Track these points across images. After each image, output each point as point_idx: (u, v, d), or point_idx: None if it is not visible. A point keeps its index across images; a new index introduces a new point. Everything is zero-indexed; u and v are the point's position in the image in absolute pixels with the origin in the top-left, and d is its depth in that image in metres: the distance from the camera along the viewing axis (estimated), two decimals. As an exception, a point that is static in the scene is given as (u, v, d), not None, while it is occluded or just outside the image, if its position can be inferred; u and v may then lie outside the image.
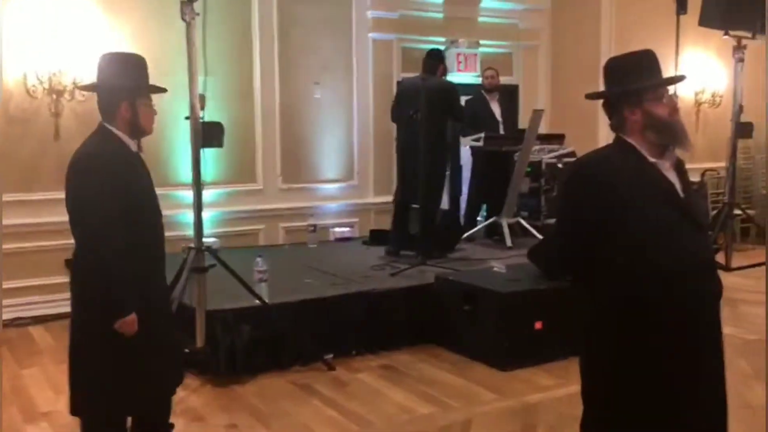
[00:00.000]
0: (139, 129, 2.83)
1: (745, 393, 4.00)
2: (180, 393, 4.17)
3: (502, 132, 7.09)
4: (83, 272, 2.70)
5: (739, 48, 6.46)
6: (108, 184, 2.63)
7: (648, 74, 2.35)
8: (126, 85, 2.80)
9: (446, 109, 5.93)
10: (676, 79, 2.55)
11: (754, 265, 6.92)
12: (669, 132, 2.33)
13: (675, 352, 2.30)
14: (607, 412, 2.43)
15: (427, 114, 5.76)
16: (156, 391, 2.84)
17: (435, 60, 6.13)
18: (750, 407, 3.86)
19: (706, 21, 6.26)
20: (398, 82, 6.40)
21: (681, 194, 2.36)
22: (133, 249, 2.65)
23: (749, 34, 6.32)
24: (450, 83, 6.10)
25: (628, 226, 2.29)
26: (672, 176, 2.38)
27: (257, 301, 4.45)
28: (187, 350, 4.28)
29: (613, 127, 2.43)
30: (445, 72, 6.16)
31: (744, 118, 6.84)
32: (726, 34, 6.34)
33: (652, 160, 2.35)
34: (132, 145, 2.83)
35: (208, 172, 5.70)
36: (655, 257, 2.25)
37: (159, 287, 2.93)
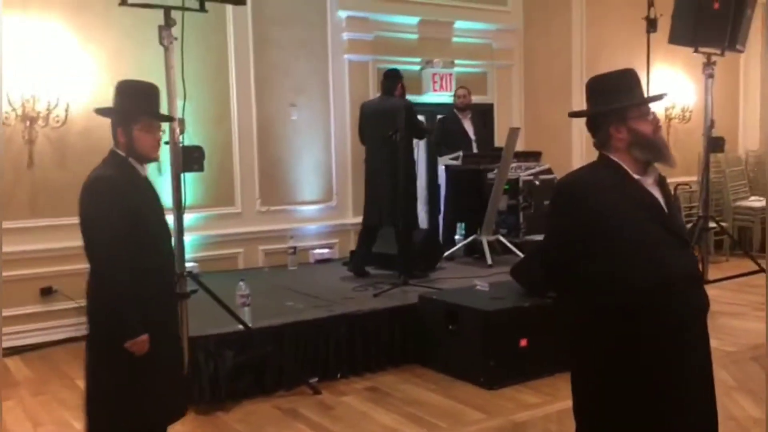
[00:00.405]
0: (137, 154, 2.89)
1: (728, 405, 4.04)
2: (163, 422, 4.11)
3: (475, 150, 7.14)
4: (94, 292, 2.79)
5: (708, 64, 6.60)
6: (116, 205, 2.71)
7: (631, 92, 2.39)
8: (118, 111, 2.90)
9: (407, 128, 5.90)
10: (659, 97, 2.60)
11: (731, 277, 7.04)
12: (654, 149, 2.38)
13: (663, 368, 2.32)
14: (599, 426, 2.44)
15: (382, 134, 5.85)
16: (158, 415, 2.88)
17: (391, 80, 6.16)
18: (734, 419, 3.89)
19: (675, 39, 6.38)
20: (360, 106, 6.40)
21: (665, 209, 2.40)
22: (141, 271, 2.71)
23: (718, 51, 6.46)
24: (406, 101, 6.07)
25: (614, 242, 2.31)
26: (656, 192, 2.42)
27: (240, 326, 4.40)
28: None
29: (597, 144, 2.46)
30: (403, 91, 6.15)
31: (714, 133, 6.97)
32: (696, 50, 6.47)
33: (636, 176, 2.39)
34: (141, 169, 2.90)
35: (186, 196, 5.64)
36: (641, 273, 2.28)
37: (168, 311, 2.96)
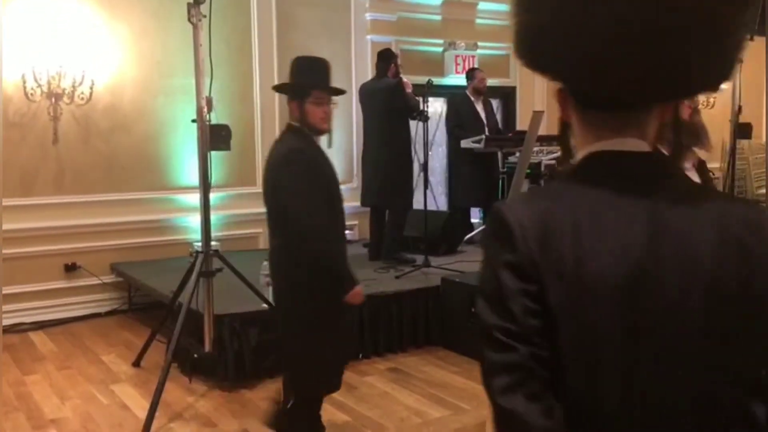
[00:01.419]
0: (309, 127, 3.04)
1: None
2: (188, 399, 4.17)
3: (486, 133, 7.09)
4: (290, 260, 2.94)
5: (737, 49, 6.50)
6: (314, 175, 2.93)
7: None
8: (291, 86, 3.12)
9: (392, 107, 5.83)
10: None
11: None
12: (690, 133, 2.35)
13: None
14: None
15: (379, 116, 5.81)
16: (342, 366, 3.25)
17: (384, 61, 6.04)
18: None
19: (704, 22, 6.28)
20: (359, 88, 6.36)
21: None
22: (335, 235, 3.01)
23: (747, 35, 6.35)
24: (393, 81, 5.92)
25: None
26: (693, 176, 2.39)
27: (264, 305, 4.42)
28: (195, 355, 4.25)
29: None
30: (397, 71, 5.98)
31: (741, 119, 6.88)
32: (724, 35, 6.38)
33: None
34: (316, 140, 3.09)
35: (211, 174, 5.67)
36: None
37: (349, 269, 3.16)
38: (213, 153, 4.34)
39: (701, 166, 2.41)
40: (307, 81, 3.04)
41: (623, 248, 1.00)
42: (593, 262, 1.00)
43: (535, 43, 1.10)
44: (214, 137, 4.12)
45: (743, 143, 8.55)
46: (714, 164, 8.79)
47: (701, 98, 9.14)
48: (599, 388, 1.00)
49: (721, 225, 1.03)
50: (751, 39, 4.67)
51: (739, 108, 6.70)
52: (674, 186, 1.07)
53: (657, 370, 1.00)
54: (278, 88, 3.38)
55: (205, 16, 4.06)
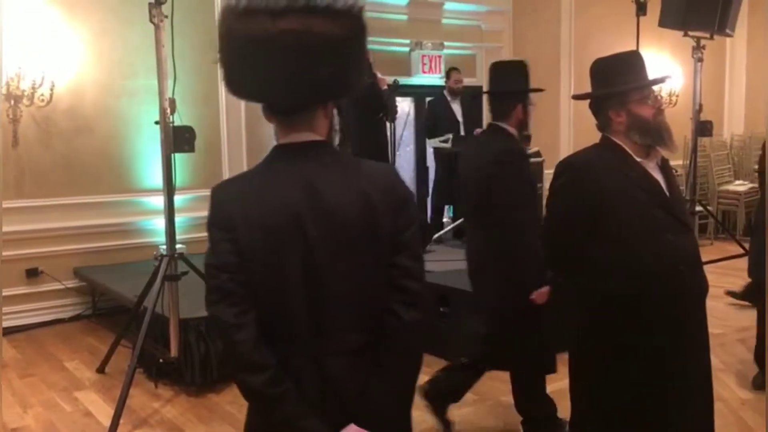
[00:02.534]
0: (525, 128, 3.41)
1: (716, 386, 4.05)
2: (154, 404, 4.11)
3: (462, 133, 7.12)
4: (506, 256, 3.19)
5: (698, 48, 6.62)
6: (523, 173, 3.27)
7: (632, 75, 2.38)
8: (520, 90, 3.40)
9: (366, 106, 5.83)
10: (659, 80, 2.59)
11: (716, 260, 7.11)
12: (653, 133, 2.37)
13: (663, 350, 2.33)
14: (598, 407, 2.45)
15: (347, 115, 5.78)
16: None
17: None
18: (723, 400, 3.94)
19: (665, 22, 6.39)
20: None
21: (667, 193, 2.40)
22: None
23: (707, 35, 6.48)
24: (367, 81, 5.93)
25: (618, 225, 2.32)
26: (658, 175, 2.41)
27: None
28: (161, 360, 4.20)
29: (599, 127, 2.45)
30: (369, 67, 6.01)
31: (702, 117, 7.01)
32: (685, 34, 6.49)
33: (638, 159, 2.38)
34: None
35: (175, 177, 5.60)
36: (646, 257, 2.28)
37: None
38: (177, 155, 4.29)
39: (664, 165, 2.43)
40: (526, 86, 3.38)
41: (285, 203, 1.55)
42: (257, 218, 1.54)
43: (229, 76, 1.59)
44: (178, 139, 4.07)
45: (705, 141, 8.71)
46: (677, 161, 8.94)
47: (665, 96, 9.30)
48: (287, 291, 1.55)
49: (357, 187, 1.57)
50: (711, 38, 4.74)
51: (700, 106, 6.81)
52: (328, 162, 1.61)
53: (324, 275, 1.55)
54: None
55: (167, 17, 4.01)
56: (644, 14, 6.72)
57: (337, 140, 1.76)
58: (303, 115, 1.61)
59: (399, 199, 1.61)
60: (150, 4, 3.94)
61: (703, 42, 6.60)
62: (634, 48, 6.70)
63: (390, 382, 1.60)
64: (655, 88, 2.51)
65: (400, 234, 1.59)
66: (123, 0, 5.95)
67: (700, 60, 6.67)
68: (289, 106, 1.59)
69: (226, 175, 6.91)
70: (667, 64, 9.14)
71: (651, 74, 2.43)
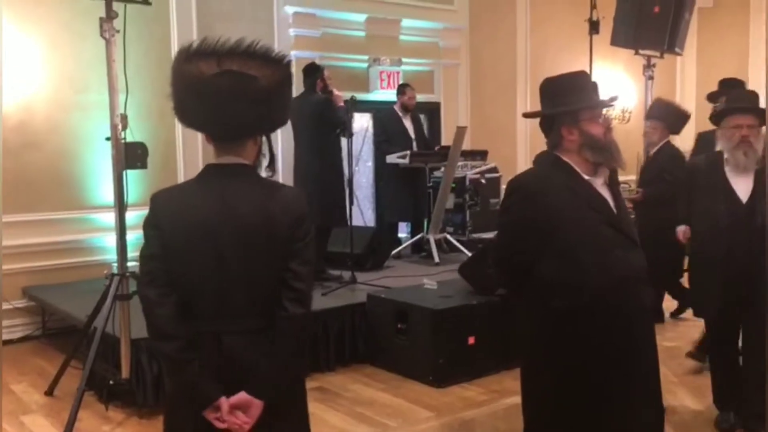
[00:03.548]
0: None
1: (670, 399, 4.14)
2: (104, 428, 4.00)
3: (415, 149, 7.14)
4: None
5: (648, 66, 6.76)
6: None
7: (583, 94, 2.42)
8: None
9: (323, 123, 5.77)
10: (611, 100, 2.64)
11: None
12: (604, 151, 2.41)
13: (615, 365, 2.36)
14: (548, 422, 2.46)
15: (308, 132, 5.77)
16: None
17: (309, 76, 5.95)
18: (676, 413, 4.00)
19: (617, 41, 6.51)
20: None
21: (614, 210, 2.44)
22: None
23: (658, 53, 6.63)
24: (319, 97, 5.85)
25: (567, 242, 2.34)
26: (605, 193, 2.46)
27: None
28: (111, 382, 4.09)
29: (550, 145, 2.48)
30: (325, 86, 5.88)
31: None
32: (636, 53, 6.62)
33: (586, 177, 2.42)
34: None
35: (128, 194, 5.50)
36: (594, 274, 2.31)
37: None
38: (131, 171, 4.21)
39: (612, 182, 2.47)
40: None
41: (203, 210, 1.94)
42: (180, 220, 1.95)
43: (177, 107, 2.00)
44: (130, 155, 3.99)
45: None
46: (630, 176, 9.11)
47: (618, 113, 9.49)
48: (199, 280, 1.93)
49: (262, 202, 1.95)
50: (661, 57, 4.83)
51: (653, 123, 6.94)
52: (243, 181, 2.00)
53: (228, 270, 1.92)
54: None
55: (118, 31, 3.95)
56: (597, 33, 6.84)
57: (265, 162, 2.13)
58: (234, 142, 2.01)
59: (296, 217, 1.97)
60: (101, 18, 3.87)
61: (653, 60, 6.75)
62: (588, 65, 6.84)
63: (276, 361, 1.94)
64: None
65: (294, 244, 1.95)
66: (75, 13, 5.84)
67: (651, 78, 6.81)
68: (223, 136, 2.00)
69: (182, 191, 6.82)
70: (620, 80, 9.35)
71: (602, 92, 2.47)
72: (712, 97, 5.61)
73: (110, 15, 3.89)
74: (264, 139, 2.08)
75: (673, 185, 4.67)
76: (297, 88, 6.94)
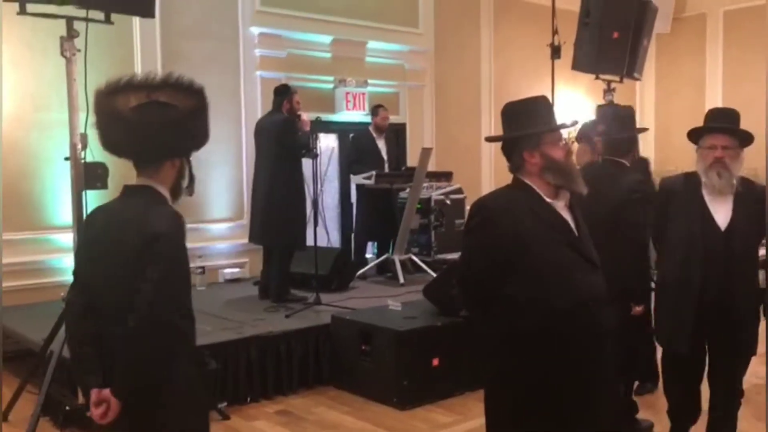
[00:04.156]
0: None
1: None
2: (60, 454, 3.88)
3: (387, 170, 7.17)
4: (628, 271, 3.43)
5: (608, 90, 6.91)
6: None
7: (544, 118, 2.46)
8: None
9: (285, 144, 5.75)
10: (571, 124, 2.68)
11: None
12: (565, 174, 2.44)
13: (572, 385, 2.37)
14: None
15: (268, 151, 5.79)
16: None
17: (279, 96, 5.98)
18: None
19: (578, 65, 6.65)
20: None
21: (575, 232, 2.47)
22: None
23: (617, 78, 6.78)
24: (284, 116, 5.84)
25: (530, 264, 2.36)
26: (567, 215, 2.48)
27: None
28: (67, 407, 3.99)
29: (512, 168, 2.51)
30: (292, 108, 5.88)
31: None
32: (597, 77, 6.77)
33: (548, 200, 2.44)
34: None
35: (86, 214, 5.42)
36: (557, 295, 2.33)
37: None
38: (91, 191, 4.15)
39: (572, 205, 2.50)
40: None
41: (98, 225, 2.27)
42: (88, 232, 2.33)
43: (100, 137, 2.25)
44: (90, 175, 3.94)
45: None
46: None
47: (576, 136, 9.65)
48: (89, 285, 2.25)
49: (134, 221, 2.18)
50: (621, 82, 4.93)
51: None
52: (137, 199, 2.24)
53: (104, 279, 2.21)
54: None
55: (79, 50, 3.90)
56: (559, 57, 6.96)
57: (185, 182, 2.35)
58: (150, 166, 2.26)
59: (151, 235, 2.13)
60: (62, 37, 3.83)
61: (613, 85, 6.90)
62: (550, 89, 6.96)
63: (121, 365, 2.14)
64: (565, 131, 2.59)
65: (141, 262, 2.13)
66: (36, 31, 5.76)
67: (611, 102, 6.96)
68: (141, 160, 2.26)
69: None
70: (581, 104, 9.52)
71: (564, 116, 2.51)
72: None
73: (71, 34, 3.86)
74: (185, 162, 2.33)
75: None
76: (265, 108, 7.00)
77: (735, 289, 3.17)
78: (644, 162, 4.98)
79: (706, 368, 3.44)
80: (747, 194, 3.24)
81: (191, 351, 2.32)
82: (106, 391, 2.13)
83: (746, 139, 3.27)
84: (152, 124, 2.15)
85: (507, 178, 2.63)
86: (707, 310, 3.19)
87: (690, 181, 3.36)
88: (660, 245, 3.52)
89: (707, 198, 3.26)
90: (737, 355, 3.32)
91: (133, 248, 2.13)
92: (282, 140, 5.75)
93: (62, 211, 5.93)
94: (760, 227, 3.24)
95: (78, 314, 2.23)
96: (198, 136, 2.30)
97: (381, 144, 7.36)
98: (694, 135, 3.35)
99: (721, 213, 3.23)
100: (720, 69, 10.50)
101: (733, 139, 3.25)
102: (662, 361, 3.51)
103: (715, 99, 10.36)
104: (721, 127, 3.27)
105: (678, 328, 3.27)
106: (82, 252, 2.29)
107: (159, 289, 2.11)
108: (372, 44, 8.21)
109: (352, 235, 7.78)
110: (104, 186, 4.08)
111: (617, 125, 3.79)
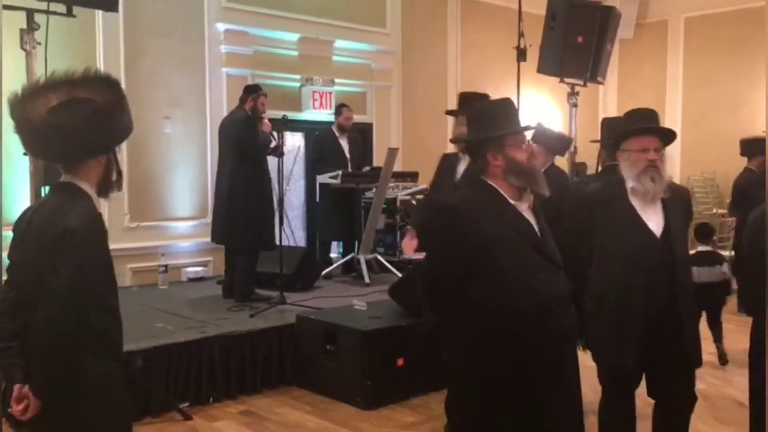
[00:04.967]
0: None
1: (590, 417, 4.24)
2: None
3: (350, 169, 7.17)
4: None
5: (572, 94, 6.99)
6: None
7: (508, 121, 2.48)
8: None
9: (243, 142, 5.71)
10: (532, 127, 2.71)
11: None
12: (528, 176, 2.47)
13: (540, 385, 2.40)
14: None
15: (230, 149, 5.75)
16: None
17: (244, 94, 5.96)
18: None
19: (543, 68, 6.73)
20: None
21: (538, 234, 2.50)
22: None
23: (581, 81, 6.87)
24: (243, 115, 5.81)
25: (494, 265, 2.39)
26: (530, 217, 2.51)
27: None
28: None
29: (477, 170, 2.53)
30: (255, 107, 5.83)
31: (577, 159, 7.39)
32: (561, 80, 6.85)
33: (512, 201, 2.47)
34: None
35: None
36: (521, 296, 2.36)
37: None
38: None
39: (535, 207, 2.53)
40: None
41: (24, 221, 2.32)
42: (13, 233, 2.35)
43: (23, 142, 2.26)
44: (50, 171, 3.84)
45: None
46: (556, 200, 9.38)
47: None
48: (21, 280, 2.25)
49: (52, 218, 2.20)
50: (585, 85, 4.97)
51: (575, 148, 7.17)
52: (56, 196, 2.28)
53: (30, 270, 2.21)
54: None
55: (40, 44, 3.82)
56: (524, 60, 7.03)
57: (114, 177, 2.35)
58: (74, 164, 2.25)
59: (60, 231, 2.14)
60: (21, 30, 3.75)
61: (577, 88, 6.99)
62: (516, 91, 7.02)
63: (29, 357, 2.15)
64: (528, 133, 2.62)
65: (56, 258, 2.13)
66: (-6, 23, 5.63)
67: (575, 105, 7.04)
68: (65, 160, 2.26)
69: (105, 210, 6.62)
70: (546, 106, 9.64)
71: (529, 118, 2.53)
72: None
73: (31, 26, 3.78)
74: (112, 157, 2.32)
75: (559, 205, 4.64)
76: (230, 105, 6.94)
77: (680, 298, 2.98)
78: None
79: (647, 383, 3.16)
80: (672, 197, 3.05)
81: (110, 348, 2.30)
82: (27, 388, 2.13)
83: (671, 139, 3.09)
84: (71, 123, 2.13)
85: (473, 179, 2.65)
86: (654, 323, 2.95)
87: (611, 188, 3.07)
88: (585, 260, 3.11)
89: (636, 205, 2.99)
90: (690, 366, 3.08)
91: (46, 244, 2.15)
92: (240, 138, 5.71)
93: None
94: (687, 230, 3.16)
95: (6, 310, 2.23)
96: (119, 129, 2.29)
97: (344, 143, 7.34)
98: (617, 137, 3.12)
99: (653, 220, 3.00)
100: (680, 74, 10.72)
101: (660, 141, 3.03)
102: (603, 379, 3.18)
103: (675, 103, 10.58)
104: (655, 128, 3.05)
105: (623, 344, 2.97)
106: (10, 248, 2.30)
107: (66, 284, 2.10)
108: (339, 43, 8.19)
109: (317, 235, 7.76)
110: (64, 182, 4.00)
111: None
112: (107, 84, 2.25)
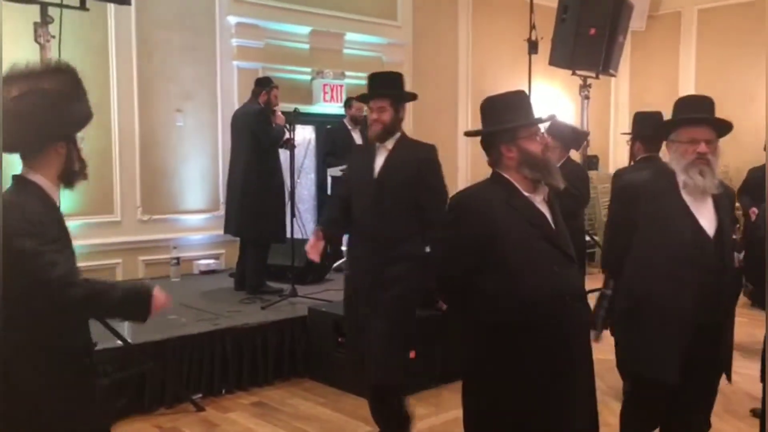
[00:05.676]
0: None
1: (603, 411, 4.22)
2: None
3: (362, 162, 7.14)
4: None
5: (584, 86, 6.97)
6: None
7: (521, 113, 2.47)
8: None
9: (256, 135, 5.73)
10: (548, 118, 2.70)
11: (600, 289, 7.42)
12: (542, 168, 2.46)
13: (554, 379, 2.40)
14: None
15: (244, 142, 5.76)
16: None
17: (257, 87, 5.97)
18: (608, 425, 4.08)
19: (555, 61, 6.71)
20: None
21: (552, 226, 2.49)
22: None
23: (593, 74, 6.85)
24: (257, 107, 5.83)
25: (507, 257, 2.38)
26: (544, 209, 2.50)
27: (119, 342, 4.18)
28: None
29: (491, 162, 2.52)
30: (269, 100, 5.87)
31: (589, 152, 7.38)
32: (573, 73, 6.83)
33: (526, 194, 2.46)
34: None
35: (59, 202, 5.33)
36: (533, 289, 2.35)
37: None
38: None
39: (550, 199, 2.52)
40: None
41: None
42: None
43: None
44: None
45: (592, 174, 9.17)
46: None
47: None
48: None
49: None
50: (597, 78, 4.94)
51: (587, 141, 7.16)
52: (12, 190, 2.18)
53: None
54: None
55: (54, 37, 3.84)
56: (536, 53, 7.02)
57: (76, 167, 2.28)
58: (34, 156, 2.20)
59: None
60: (36, 23, 3.77)
61: (589, 80, 6.97)
62: (527, 83, 7.01)
63: None
64: (543, 127, 2.61)
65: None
66: (9, 16, 5.64)
67: (587, 97, 7.03)
68: (25, 152, 2.20)
69: (118, 203, 6.68)
70: (558, 99, 9.60)
71: (540, 111, 2.52)
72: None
73: (45, 20, 3.80)
74: (72, 146, 2.24)
75: (578, 199, 4.63)
76: (241, 98, 6.95)
77: (725, 307, 2.79)
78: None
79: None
80: (723, 194, 2.86)
81: (70, 349, 2.27)
82: None
83: (726, 131, 2.87)
84: (25, 110, 2.11)
85: (483, 171, 2.65)
86: (699, 334, 2.74)
87: (662, 179, 2.85)
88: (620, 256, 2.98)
89: (687, 200, 2.79)
90: (718, 376, 2.94)
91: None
92: (254, 131, 5.72)
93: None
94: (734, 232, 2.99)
95: None
96: (75, 116, 2.23)
97: (356, 136, 7.34)
98: (663, 125, 2.98)
99: (705, 218, 2.79)
100: (693, 66, 10.65)
101: (713, 131, 2.82)
102: (636, 393, 3.05)
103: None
104: (707, 118, 2.83)
105: (665, 355, 2.75)
106: None
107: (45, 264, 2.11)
108: (350, 36, 8.18)
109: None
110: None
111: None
112: (60, 71, 2.24)
